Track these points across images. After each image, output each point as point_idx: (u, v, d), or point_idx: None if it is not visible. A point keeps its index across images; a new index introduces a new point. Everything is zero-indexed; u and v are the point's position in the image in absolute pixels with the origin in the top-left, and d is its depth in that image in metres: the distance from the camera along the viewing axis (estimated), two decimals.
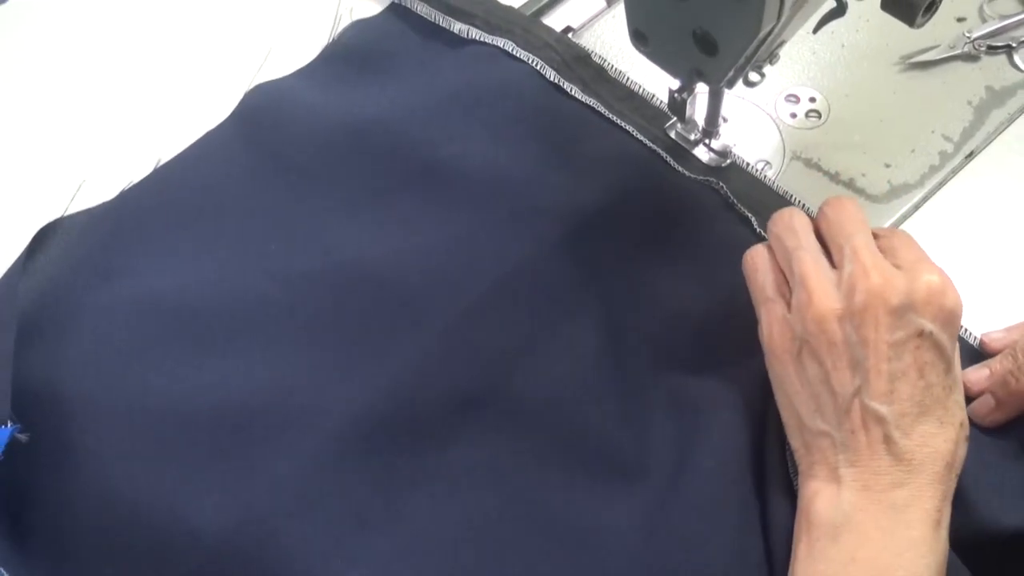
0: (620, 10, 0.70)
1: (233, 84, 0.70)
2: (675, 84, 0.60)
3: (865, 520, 0.45)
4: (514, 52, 0.68)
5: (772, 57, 0.56)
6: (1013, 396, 0.51)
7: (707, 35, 0.52)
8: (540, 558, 0.51)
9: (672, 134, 0.64)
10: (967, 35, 0.69)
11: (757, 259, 0.53)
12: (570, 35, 0.71)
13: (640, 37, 0.56)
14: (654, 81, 0.66)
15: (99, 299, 0.58)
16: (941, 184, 0.64)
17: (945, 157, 0.64)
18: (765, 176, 0.63)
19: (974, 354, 0.55)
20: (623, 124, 0.65)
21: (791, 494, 0.51)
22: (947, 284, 0.48)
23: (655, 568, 0.49)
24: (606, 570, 0.50)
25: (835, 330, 0.47)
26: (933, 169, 0.64)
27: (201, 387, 0.54)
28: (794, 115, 0.67)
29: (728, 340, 0.56)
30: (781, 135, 0.66)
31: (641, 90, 0.67)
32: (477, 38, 0.70)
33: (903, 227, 0.62)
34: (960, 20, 0.71)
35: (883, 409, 0.46)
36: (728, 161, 0.63)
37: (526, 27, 0.70)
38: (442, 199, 0.62)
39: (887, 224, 0.62)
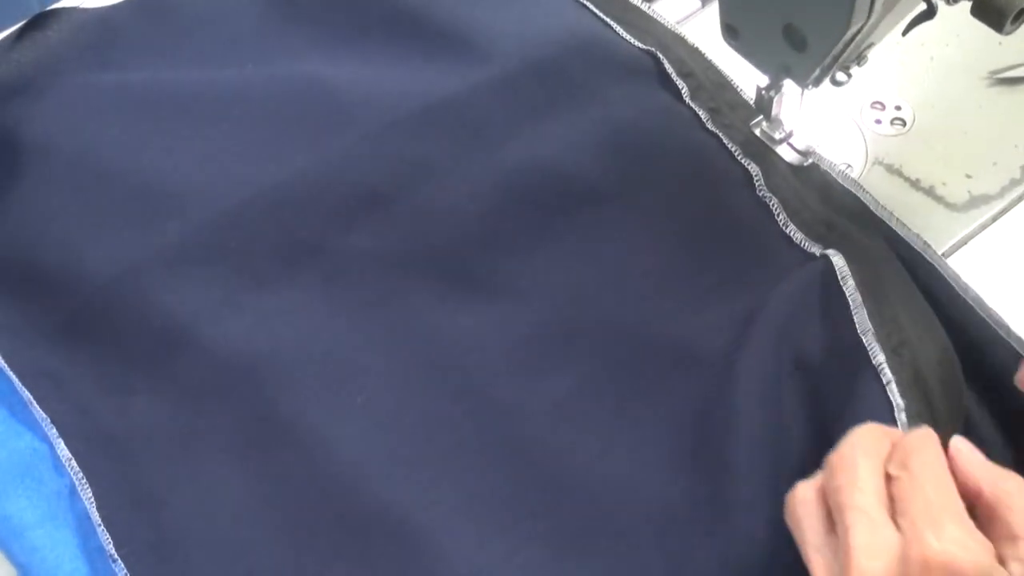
0: (712, 11, 0.72)
1: None
2: (763, 81, 0.62)
3: None
4: None
5: (860, 59, 0.57)
6: None
7: (797, 30, 0.54)
8: (434, 330, 0.58)
9: (758, 132, 0.66)
10: None
11: (799, 509, 0.42)
12: None
13: (731, 31, 0.58)
14: (743, 80, 0.68)
15: (88, 79, 0.67)
16: (1021, 197, 0.65)
17: None
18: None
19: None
20: None
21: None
22: (951, 556, 0.36)
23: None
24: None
25: None
26: (1014, 182, 0.65)
27: (133, 157, 0.63)
28: (879, 121, 0.68)
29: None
30: (865, 140, 0.68)
31: None
32: None
33: (981, 237, 0.63)
34: None
35: None
36: (810, 160, 0.65)
37: None
38: (399, 45, 0.69)
39: (964, 233, 0.63)
